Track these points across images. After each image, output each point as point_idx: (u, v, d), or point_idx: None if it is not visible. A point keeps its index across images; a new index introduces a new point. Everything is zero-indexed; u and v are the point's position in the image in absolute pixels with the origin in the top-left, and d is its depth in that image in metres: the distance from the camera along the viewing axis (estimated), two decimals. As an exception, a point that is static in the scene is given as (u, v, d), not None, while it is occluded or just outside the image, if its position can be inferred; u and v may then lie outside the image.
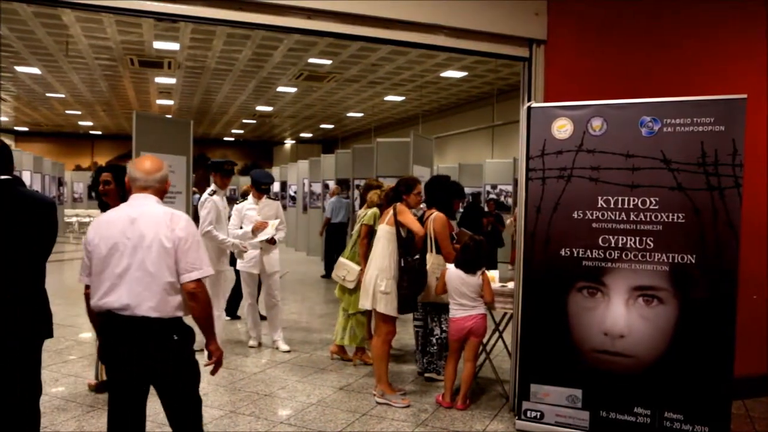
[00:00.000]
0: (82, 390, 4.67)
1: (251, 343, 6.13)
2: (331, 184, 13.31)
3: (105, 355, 2.68)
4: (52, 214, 2.82)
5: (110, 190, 4.38)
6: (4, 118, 23.93)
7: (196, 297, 2.63)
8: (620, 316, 3.80)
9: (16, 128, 27.11)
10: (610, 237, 3.85)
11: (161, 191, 2.77)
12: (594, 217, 3.89)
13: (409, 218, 4.47)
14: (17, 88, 17.07)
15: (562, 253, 3.96)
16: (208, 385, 4.55)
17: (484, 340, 4.74)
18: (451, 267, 4.48)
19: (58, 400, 4.43)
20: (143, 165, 2.76)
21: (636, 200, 3.78)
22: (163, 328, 2.59)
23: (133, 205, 2.70)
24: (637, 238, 3.77)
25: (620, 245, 3.82)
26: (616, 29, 4.63)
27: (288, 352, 5.93)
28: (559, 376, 3.97)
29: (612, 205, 3.84)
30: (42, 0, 3.69)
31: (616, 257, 3.83)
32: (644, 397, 3.74)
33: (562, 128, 3.98)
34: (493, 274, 4.74)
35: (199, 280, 2.63)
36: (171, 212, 2.68)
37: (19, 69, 14.32)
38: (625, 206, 3.81)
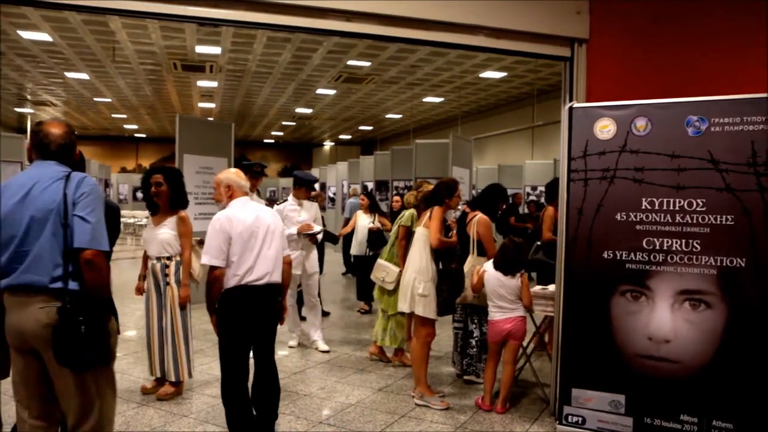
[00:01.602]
0: (128, 386, 4.79)
1: (291, 343, 6.19)
2: (357, 187, 13.38)
3: (236, 318, 3.48)
4: (117, 218, 3.14)
5: (162, 192, 4.47)
6: (54, 122, 24.72)
7: (290, 265, 3.83)
8: (665, 320, 3.71)
9: (65, 132, 27.98)
10: (655, 239, 3.76)
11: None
12: (638, 219, 3.81)
13: (435, 226, 4.43)
14: (67, 93, 17.64)
15: (605, 256, 3.89)
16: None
17: (524, 343, 4.69)
18: (489, 268, 4.44)
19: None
20: (243, 175, 3.73)
21: (682, 202, 3.68)
22: (277, 290, 3.63)
23: (247, 205, 3.60)
24: (683, 241, 3.67)
25: (665, 248, 3.72)
26: (661, 25, 4.52)
27: (327, 352, 5.98)
28: (602, 381, 3.89)
29: (657, 207, 3.75)
30: (86, 8, 3.79)
31: (660, 260, 3.73)
32: (691, 404, 3.63)
33: (605, 128, 3.90)
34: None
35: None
36: (269, 208, 3.83)
37: (69, 75, 14.80)
38: (671, 208, 3.71)
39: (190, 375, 4.57)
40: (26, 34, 10.99)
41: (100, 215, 2.54)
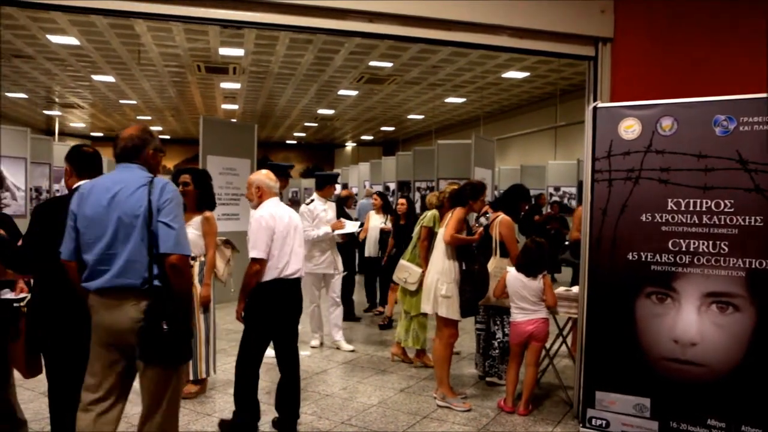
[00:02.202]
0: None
1: (314, 343, 6.21)
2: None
3: (272, 309, 3.78)
4: None
5: (189, 192, 4.52)
6: (81, 125, 25.19)
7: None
8: (692, 323, 3.65)
9: (92, 134, 28.47)
10: (681, 241, 3.70)
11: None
12: (663, 220, 3.75)
13: (450, 224, 4.43)
14: (93, 95, 17.93)
15: (630, 257, 3.84)
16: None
17: (547, 345, 4.65)
18: (511, 270, 4.42)
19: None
20: (273, 177, 3.99)
21: (709, 202, 3.62)
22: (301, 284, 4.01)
23: (279, 206, 3.90)
24: (710, 242, 3.61)
25: (692, 249, 3.67)
26: (686, 23, 4.44)
27: (353, 351, 6.03)
28: (626, 384, 3.84)
29: (683, 208, 3.70)
30: (112, 11, 3.84)
31: (687, 262, 3.68)
32: (719, 409, 3.57)
33: (630, 128, 3.86)
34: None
35: None
36: (291, 208, 4.04)
37: (96, 78, 15.03)
38: (697, 209, 3.66)
39: (207, 373, 4.61)
40: (55, 38, 11.19)
41: (182, 221, 2.73)
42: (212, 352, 4.64)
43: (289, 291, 3.84)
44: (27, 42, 11.48)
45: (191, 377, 4.53)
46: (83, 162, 3.14)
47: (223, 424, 3.97)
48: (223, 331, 6.32)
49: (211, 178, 4.79)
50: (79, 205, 2.72)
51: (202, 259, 4.53)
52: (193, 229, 4.50)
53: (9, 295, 3.16)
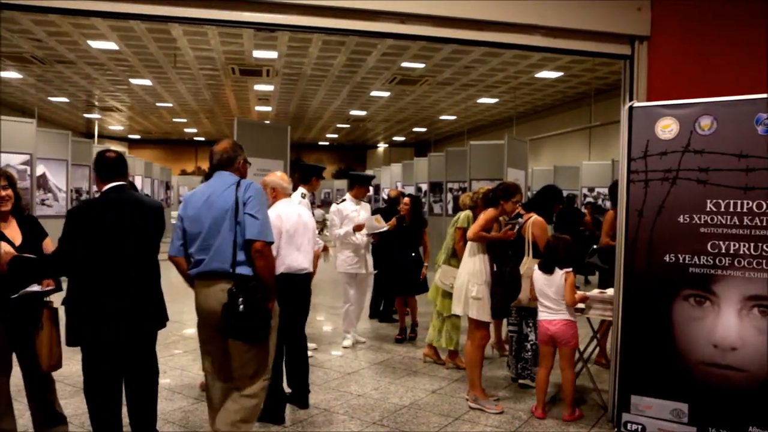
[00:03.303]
0: (187, 382, 4.94)
1: (346, 343, 6.24)
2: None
3: (279, 301, 3.70)
4: (162, 215, 3.33)
5: None
6: (119, 127, 25.77)
7: (318, 258, 4.64)
8: (732, 327, 3.56)
9: (129, 136, 29.11)
10: (721, 243, 3.61)
11: None
12: (702, 222, 3.67)
13: (477, 222, 4.41)
14: (131, 98, 18.34)
15: (667, 259, 3.77)
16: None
17: (581, 347, 4.58)
18: (536, 267, 4.37)
19: (165, 391, 4.70)
20: (287, 178, 4.32)
21: (750, 203, 3.53)
22: (310, 278, 4.34)
23: (288, 206, 4.20)
24: (752, 244, 3.52)
25: (732, 251, 3.58)
26: (724, 20, 4.34)
27: (348, 348, 6.16)
28: (663, 389, 3.77)
29: (722, 209, 3.61)
30: (149, 16, 3.92)
31: (727, 264, 3.59)
32: (761, 416, 3.46)
33: (667, 128, 3.78)
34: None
35: None
36: (305, 208, 4.42)
37: (133, 81, 15.38)
38: (738, 210, 3.57)
39: None
40: (95, 44, 11.49)
41: (266, 213, 3.17)
42: None
43: (296, 284, 4.13)
44: (69, 48, 11.81)
45: None
46: (105, 168, 3.28)
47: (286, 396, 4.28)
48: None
49: None
50: (184, 208, 3.22)
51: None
52: None
53: (35, 288, 3.23)
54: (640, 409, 3.83)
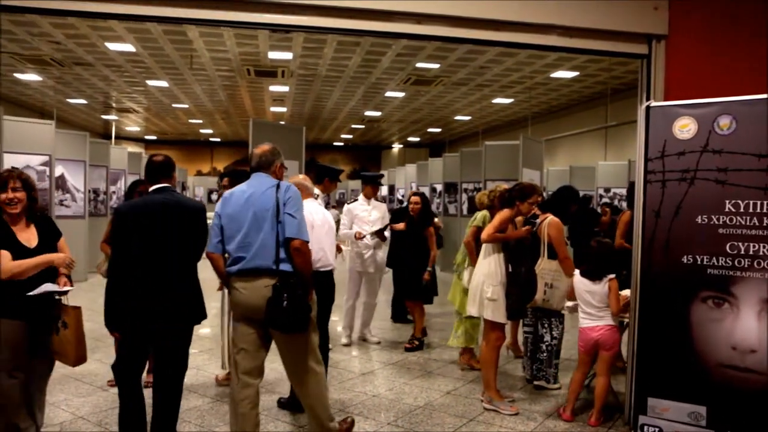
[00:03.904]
0: (203, 381, 4.97)
1: (344, 340, 6.29)
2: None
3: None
4: (204, 216, 3.42)
5: None
6: (136, 128, 26.00)
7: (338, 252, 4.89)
8: (751, 329, 3.52)
9: (146, 137, 29.36)
10: (740, 244, 3.57)
11: None
12: (720, 222, 3.63)
13: (492, 223, 4.41)
14: (148, 100, 18.49)
15: (684, 260, 3.73)
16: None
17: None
18: (577, 273, 4.32)
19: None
20: (309, 181, 4.45)
21: (770, 204, 3.48)
22: (331, 274, 4.40)
23: (310, 204, 4.20)
24: (771, 246, 3.47)
25: (751, 253, 3.53)
26: (744, 18, 4.28)
27: (378, 343, 6.25)
28: (680, 391, 3.73)
29: (742, 210, 3.57)
30: (166, 18, 3.95)
31: (746, 266, 3.55)
32: (779, 419, 3.43)
33: (685, 128, 3.75)
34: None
35: None
36: (324, 208, 4.50)
37: (150, 83, 15.50)
38: (758, 210, 3.52)
39: None
40: (112, 46, 11.59)
41: (302, 213, 3.34)
42: None
43: (320, 282, 4.12)
44: (87, 50, 11.92)
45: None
46: (151, 170, 3.41)
47: (282, 402, 4.44)
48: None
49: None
50: (222, 206, 3.37)
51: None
52: None
53: (52, 287, 3.24)
54: (657, 412, 3.80)
